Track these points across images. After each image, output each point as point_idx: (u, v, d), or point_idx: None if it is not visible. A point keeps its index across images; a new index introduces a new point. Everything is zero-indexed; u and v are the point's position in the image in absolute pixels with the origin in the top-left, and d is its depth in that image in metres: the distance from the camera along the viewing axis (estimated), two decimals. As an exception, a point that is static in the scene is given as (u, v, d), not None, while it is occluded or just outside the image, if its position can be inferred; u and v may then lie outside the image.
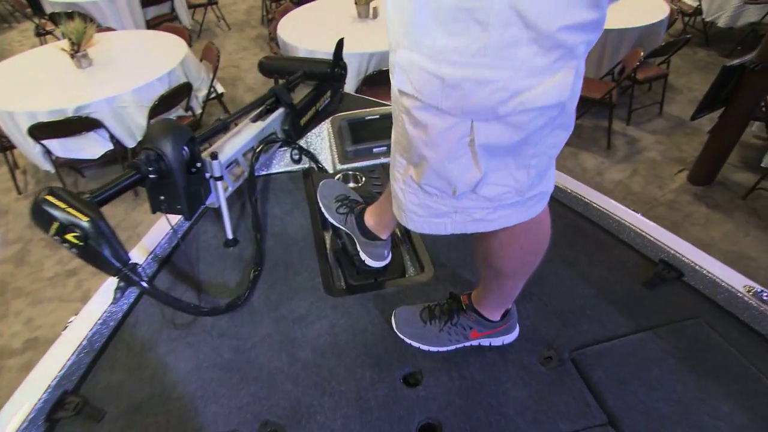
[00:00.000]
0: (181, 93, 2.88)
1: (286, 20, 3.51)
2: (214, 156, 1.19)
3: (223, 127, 1.30)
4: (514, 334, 1.05)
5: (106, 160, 2.90)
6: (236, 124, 1.42)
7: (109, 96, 2.64)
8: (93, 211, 0.85)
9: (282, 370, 0.99)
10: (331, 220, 1.23)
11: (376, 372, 0.99)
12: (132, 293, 1.13)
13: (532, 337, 1.05)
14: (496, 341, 1.04)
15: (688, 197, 2.98)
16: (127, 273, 0.88)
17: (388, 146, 1.62)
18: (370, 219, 1.13)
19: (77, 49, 2.84)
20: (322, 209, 1.24)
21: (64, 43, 2.89)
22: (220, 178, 1.22)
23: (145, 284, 0.92)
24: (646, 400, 0.91)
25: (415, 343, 1.03)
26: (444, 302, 1.05)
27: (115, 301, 0.90)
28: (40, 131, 2.53)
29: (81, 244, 0.83)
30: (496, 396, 0.94)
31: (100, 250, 0.85)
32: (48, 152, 2.70)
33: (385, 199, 1.08)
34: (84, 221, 0.82)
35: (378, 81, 2.79)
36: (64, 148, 2.71)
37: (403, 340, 1.04)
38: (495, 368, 0.99)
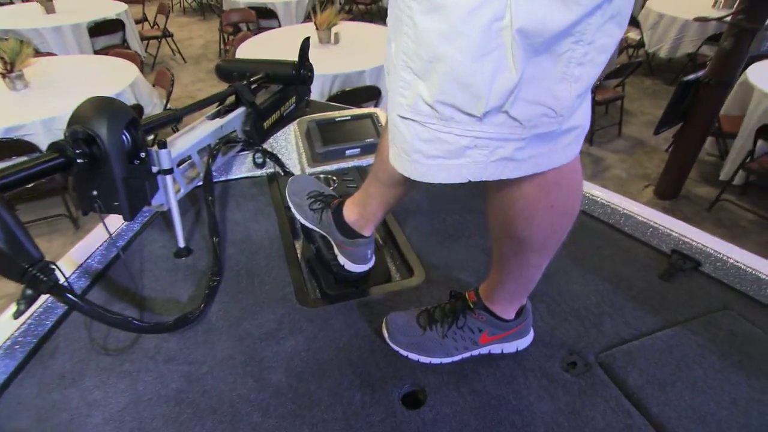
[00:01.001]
0: (129, 115, 2.66)
1: (245, 46, 3.40)
2: (162, 145, 1.00)
3: (174, 118, 1.11)
4: (529, 338, 0.88)
5: (43, 190, 2.60)
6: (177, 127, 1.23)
7: (45, 118, 2.38)
8: (-11, 191, 0.64)
9: (248, 398, 0.78)
10: (302, 220, 1.05)
11: (368, 394, 0.79)
12: (52, 311, 0.89)
13: (549, 341, 0.89)
14: (510, 347, 0.87)
15: (658, 210, 3.00)
16: (35, 274, 0.66)
17: (362, 147, 1.49)
18: (350, 213, 0.96)
19: (10, 69, 2.58)
20: (292, 209, 1.06)
21: (-3, 64, 2.63)
22: (170, 172, 1.02)
23: (65, 292, 0.70)
24: (696, 404, 0.76)
25: (413, 355, 0.85)
26: (445, 303, 0.88)
27: (18, 315, 0.68)
28: (-39, 155, 2.24)
29: (-30, 235, 0.62)
30: (520, 413, 0.76)
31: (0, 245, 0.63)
32: (-29, 180, 2.38)
33: (369, 184, 0.92)
34: (-27, 203, 0.61)
35: (342, 101, 2.68)
36: (-10, 175, 2.39)
37: (398, 352, 0.86)
38: (513, 380, 0.82)
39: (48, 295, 0.72)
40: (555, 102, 0.52)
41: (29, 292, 0.67)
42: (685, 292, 0.99)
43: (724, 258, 1.00)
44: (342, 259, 1.00)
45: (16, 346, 0.83)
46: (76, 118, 0.85)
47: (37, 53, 3.45)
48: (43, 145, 2.39)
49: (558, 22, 0.45)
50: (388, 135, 0.81)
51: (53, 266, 0.69)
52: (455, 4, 0.46)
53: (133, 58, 3.31)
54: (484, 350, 0.86)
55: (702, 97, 2.67)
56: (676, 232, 1.08)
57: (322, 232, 1.03)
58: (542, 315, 0.94)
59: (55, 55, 3.58)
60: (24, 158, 0.94)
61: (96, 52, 4.19)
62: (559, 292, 1.00)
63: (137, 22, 5.07)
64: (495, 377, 0.82)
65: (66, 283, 0.72)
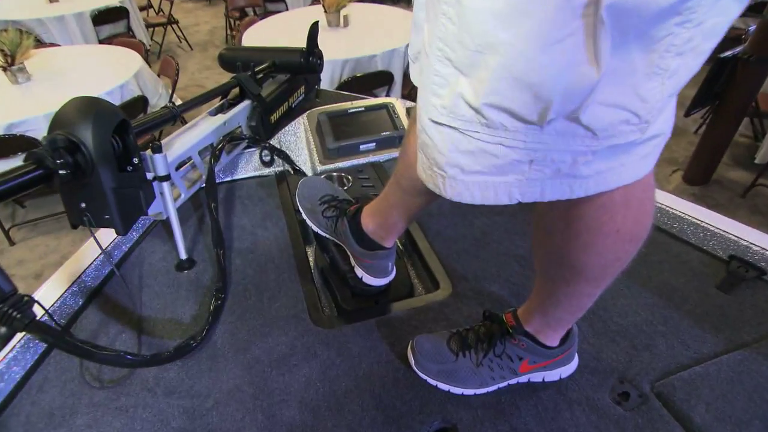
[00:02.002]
0: (135, 107, 2.57)
1: (252, 31, 3.27)
2: (157, 149, 0.90)
3: (171, 117, 1.01)
4: (574, 365, 0.77)
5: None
6: (185, 121, 1.13)
7: (48, 112, 2.30)
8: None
9: None
10: (314, 228, 0.94)
11: (393, 431, 0.69)
12: (38, 343, 0.81)
13: (596, 367, 0.78)
14: (552, 375, 0.77)
15: (688, 198, 2.79)
16: (7, 311, 0.57)
17: (378, 141, 1.37)
18: (369, 221, 0.85)
19: (11, 62, 2.50)
20: (303, 215, 0.95)
21: (-2, 57, 2.55)
22: (167, 179, 0.93)
23: (40, 329, 0.60)
24: None
25: (443, 385, 0.75)
26: (479, 325, 0.77)
27: None
28: (-37, 153, 2.17)
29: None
30: None
31: (-39, 278, 0.54)
32: (-25, 179, 2.32)
33: (390, 192, 0.81)
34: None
35: (354, 88, 2.57)
36: (-6, 172, 2.33)
37: (426, 381, 0.76)
38: (557, 414, 0.71)
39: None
40: (640, 105, 0.40)
41: (3, 330, 0.58)
42: (750, 305, 0.87)
43: (796, 266, 0.87)
44: (359, 272, 0.89)
45: (1, 381, 0.75)
46: (57, 123, 0.75)
47: (40, 44, 3.37)
48: (47, 141, 2.32)
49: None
50: (413, 139, 0.70)
51: (29, 300, 0.60)
52: None
53: (137, 47, 3.21)
54: (522, 379, 0.76)
55: (740, 75, 2.48)
56: (734, 235, 0.96)
57: (335, 240, 0.93)
58: (586, 335, 0.83)
59: (59, 45, 3.49)
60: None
61: (100, 41, 4.10)
62: (603, 307, 0.88)
63: (141, 9, 4.96)
64: (536, 411, 0.72)
65: (46, 318, 0.63)
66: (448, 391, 0.75)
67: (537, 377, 0.76)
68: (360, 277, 0.90)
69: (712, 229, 0.98)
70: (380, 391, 0.75)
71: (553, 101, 0.38)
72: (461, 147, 0.44)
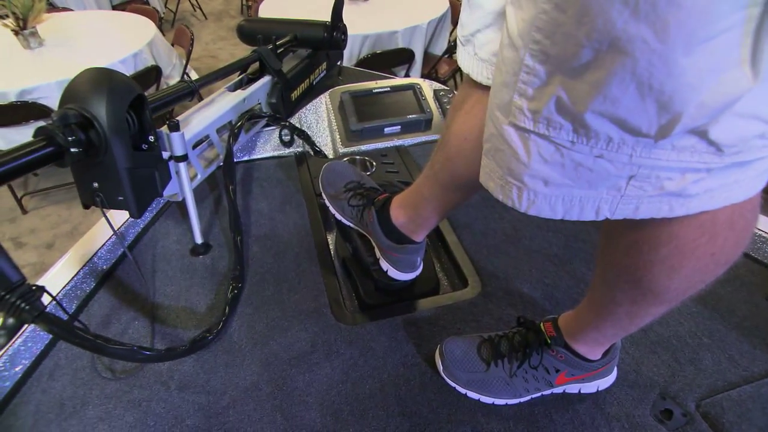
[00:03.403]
0: (148, 77, 2.50)
1: (268, 2, 3.16)
2: (174, 127, 0.84)
3: (189, 92, 0.95)
4: (612, 377, 0.72)
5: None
6: (201, 97, 1.06)
7: (61, 79, 2.24)
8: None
9: None
10: (338, 216, 0.89)
11: None
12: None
13: (636, 381, 0.73)
14: (589, 387, 0.72)
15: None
16: (14, 303, 0.52)
17: (403, 125, 1.30)
18: (399, 213, 0.80)
19: (23, 26, 2.43)
20: (326, 201, 0.90)
21: (9, 21, 2.48)
22: (184, 159, 0.87)
23: (49, 321, 0.56)
24: None
25: (473, 394, 0.70)
26: (512, 332, 0.72)
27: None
28: (-25, 119, 2.13)
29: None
30: None
31: (-36, 266, 0.49)
32: (-13, 146, 2.29)
33: (424, 184, 0.75)
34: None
35: (373, 65, 2.48)
36: (6, 140, 2.29)
37: (455, 388, 0.71)
38: (595, 429, 0.67)
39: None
40: None
41: (10, 321, 0.54)
42: (804, 320, 0.81)
43: None
44: (385, 265, 0.84)
45: (9, 366, 0.71)
46: (69, 96, 0.70)
47: (53, 8, 3.30)
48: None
49: None
50: (457, 130, 0.63)
51: (38, 289, 0.55)
52: None
53: (151, 14, 3.12)
54: (558, 390, 0.71)
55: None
56: (787, 242, 0.89)
57: (361, 230, 0.88)
58: (624, 344, 0.78)
59: (71, 10, 3.41)
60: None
61: (114, 7, 4.01)
62: (644, 314, 0.83)
63: (156, -26, 4.82)
64: (572, 426, 0.68)
65: (59, 310, 0.59)
66: (478, 399, 0.70)
67: (573, 389, 0.72)
68: (385, 270, 0.84)
69: (764, 234, 0.92)
70: (406, 395, 0.71)
71: (684, 113, 0.31)
72: (549, 157, 0.38)
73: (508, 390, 0.69)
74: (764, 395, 0.70)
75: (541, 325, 0.69)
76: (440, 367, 0.72)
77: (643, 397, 0.71)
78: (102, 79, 0.72)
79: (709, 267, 0.46)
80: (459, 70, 3.34)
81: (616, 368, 0.73)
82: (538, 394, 0.71)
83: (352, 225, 0.89)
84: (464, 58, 0.59)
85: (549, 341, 0.67)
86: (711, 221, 0.42)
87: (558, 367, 0.67)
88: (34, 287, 0.55)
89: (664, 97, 0.31)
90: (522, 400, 0.70)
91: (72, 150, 0.67)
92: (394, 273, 0.84)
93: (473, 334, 0.75)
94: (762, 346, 0.77)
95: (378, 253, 0.86)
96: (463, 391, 0.71)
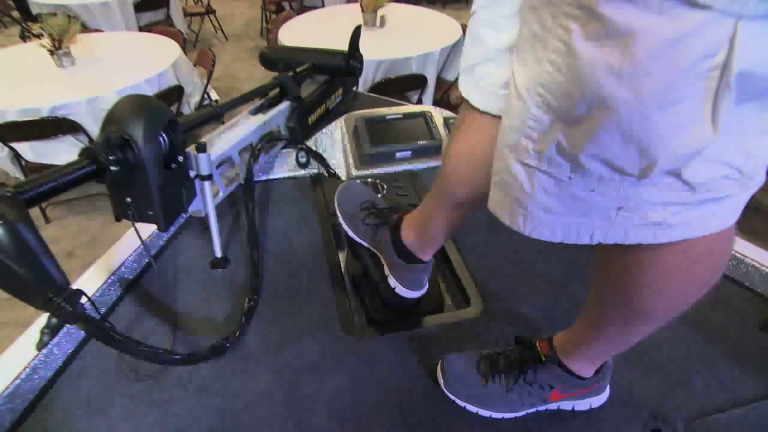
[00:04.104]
0: (170, 96, 2.62)
1: (288, 26, 3.29)
2: (201, 148, 0.92)
3: (216, 115, 1.02)
4: (605, 396, 0.76)
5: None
6: (223, 120, 1.14)
7: (90, 96, 2.36)
8: (12, 210, 0.56)
9: None
10: (352, 234, 0.95)
11: None
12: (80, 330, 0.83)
13: (628, 400, 0.77)
14: (582, 405, 0.75)
15: (722, 222, 2.76)
16: (60, 304, 0.59)
17: (414, 150, 1.37)
18: (409, 233, 0.85)
19: (58, 46, 2.57)
20: (341, 221, 0.96)
21: (45, 41, 2.63)
22: (209, 178, 0.94)
23: (88, 322, 0.62)
24: None
25: (471, 407, 0.75)
26: (510, 349, 0.77)
27: (42, 346, 0.62)
28: (9, 132, 2.24)
29: (-10, 260, 0.55)
30: None
31: (20, 270, 0.56)
32: (18, 157, 2.40)
33: (429, 205, 0.81)
34: (-6, 225, 0.54)
35: (387, 90, 2.57)
36: (36, 152, 2.41)
37: (454, 401, 0.75)
38: None
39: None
40: (745, 162, 0.39)
41: (54, 321, 0.60)
42: (794, 349, 0.84)
43: None
44: (393, 282, 0.89)
45: (43, 365, 0.77)
46: (110, 120, 0.77)
47: (85, 29, 3.46)
48: (87, 125, 2.39)
49: None
50: (458, 150, 0.69)
51: (79, 293, 0.62)
52: (647, 32, 0.33)
53: (176, 36, 3.26)
54: (552, 406, 0.75)
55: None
56: (780, 273, 0.93)
57: (373, 250, 0.94)
58: (618, 365, 0.82)
59: (102, 31, 3.58)
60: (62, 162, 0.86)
61: (140, 28, 4.20)
62: (638, 337, 0.86)
63: (182, -3, 5.04)
64: (565, 441, 0.71)
65: (93, 312, 0.65)
66: (477, 412, 0.74)
67: (567, 405, 0.75)
68: (393, 287, 0.90)
69: (757, 265, 0.95)
70: (409, 407, 0.75)
71: (660, 159, 0.38)
72: (550, 190, 0.45)
73: (505, 404, 0.73)
74: (751, 419, 0.73)
75: (537, 343, 0.73)
76: (441, 381, 0.77)
77: (634, 416, 0.74)
78: (140, 105, 0.79)
79: (690, 289, 0.52)
80: (470, 95, 3.41)
81: (608, 387, 0.76)
82: (534, 410, 0.74)
83: (364, 243, 0.94)
84: (464, 85, 0.67)
85: (543, 359, 0.71)
86: (692, 249, 0.47)
87: (552, 383, 0.71)
88: (77, 292, 0.61)
89: (643, 145, 0.38)
90: (518, 414, 0.74)
91: (112, 168, 0.74)
92: (401, 290, 0.89)
93: (473, 351, 0.79)
94: (752, 372, 0.80)
95: (387, 271, 0.91)
96: (462, 404, 0.75)
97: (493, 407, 0.74)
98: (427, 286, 0.91)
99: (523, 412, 0.74)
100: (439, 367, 0.78)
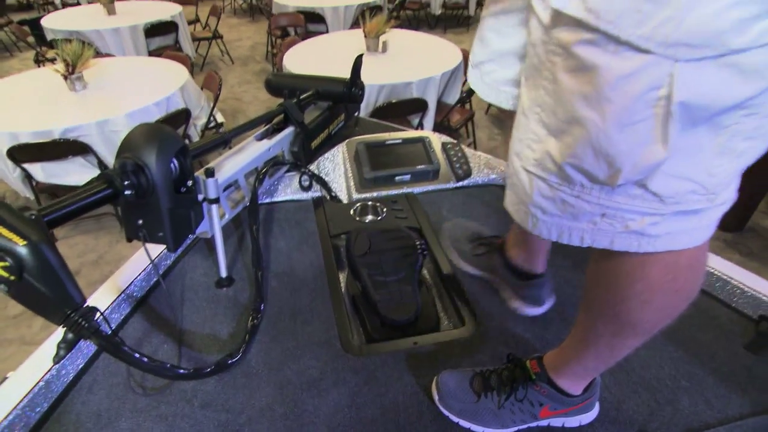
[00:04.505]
0: (178, 119, 2.70)
1: (293, 51, 3.40)
2: (209, 173, 0.97)
3: (223, 142, 1.08)
4: (594, 412, 0.79)
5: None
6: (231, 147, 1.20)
7: (100, 119, 2.45)
8: (36, 232, 0.61)
9: None
10: (465, 268, 1.07)
11: None
12: (90, 347, 0.87)
13: (616, 417, 0.79)
14: (572, 422, 0.78)
15: (720, 243, 2.78)
16: (77, 320, 0.63)
17: (412, 174, 1.42)
18: (514, 251, 0.96)
19: (72, 71, 2.67)
20: (451, 256, 1.09)
21: (59, 66, 2.73)
22: (216, 201, 0.99)
23: (101, 337, 0.66)
24: None
25: (465, 423, 0.77)
26: (502, 368, 0.80)
27: (58, 360, 0.65)
28: (21, 153, 2.32)
29: (14, 278, 0.59)
30: None
31: (41, 288, 0.60)
32: (29, 177, 2.47)
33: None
34: (20, 246, 0.58)
35: (388, 113, 2.65)
36: (46, 173, 2.48)
37: (448, 417, 0.78)
38: None
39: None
40: (708, 179, 0.45)
41: (70, 336, 0.64)
42: (778, 368, 0.87)
43: (827, 332, 0.87)
44: (516, 304, 0.97)
45: (56, 379, 0.81)
46: (126, 148, 0.82)
47: (97, 54, 3.58)
48: (97, 146, 2.46)
49: (733, 97, 0.39)
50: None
51: (94, 310, 0.66)
52: (607, 68, 0.41)
53: (184, 60, 3.38)
54: (543, 423, 0.78)
55: (779, 124, 2.45)
56: (765, 295, 0.96)
57: (490, 278, 1.04)
58: (608, 384, 0.85)
59: (113, 56, 3.70)
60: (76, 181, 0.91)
61: (150, 53, 4.33)
62: (626, 357, 0.88)
63: (190, 23, 5.21)
64: (556, 457, 0.74)
65: (106, 328, 0.69)
66: (469, 428, 0.77)
67: (557, 422, 0.78)
68: (515, 308, 0.97)
69: (742, 286, 0.99)
70: (405, 422, 0.78)
71: (623, 170, 0.45)
72: (544, 193, 0.53)
73: (497, 420, 0.76)
74: (736, 436, 0.75)
75: (527, 362, 0.77)
76: (436, 397, 0.80)
77: (622, 434, 0.77)
78: (153, 133, 0.84)
79: (674, 301, 0.56)
80: (470, 118, 3.48)
81: (598, 405, 0.79)
82: (525, 426, 0.77)
83: (479, 274, 1.05)
84: (472, 78, 0.77)
85: (533, 377, 0.74)
86: (675, 263, 0.52)
87: (541, 401, 0.74)
88: (93, 309, 0.65)
89: (609, 158, 0.45)
90: (509, 430, 0.77)
91: (126, 192, 0.79)
92: (524, 310, 0.97)
93: (467, 368, 0.82)
94: (737, 390, 0.83)
95: (506, 295, 0.99)
96: (455, 419, 0.78)
97: (485, 423, 0.77)
98: (547, 305, 0.97)
99: (514, 428, 0.77)
100: (433, 384, 0.82)
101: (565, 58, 0.45)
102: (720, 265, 1.04)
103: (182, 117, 2.74)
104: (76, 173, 2.54)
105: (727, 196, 0.49)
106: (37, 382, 0.78)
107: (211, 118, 3.16)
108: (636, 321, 0.59)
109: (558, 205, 0.52)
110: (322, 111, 1.48)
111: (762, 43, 0.36)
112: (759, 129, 0.42)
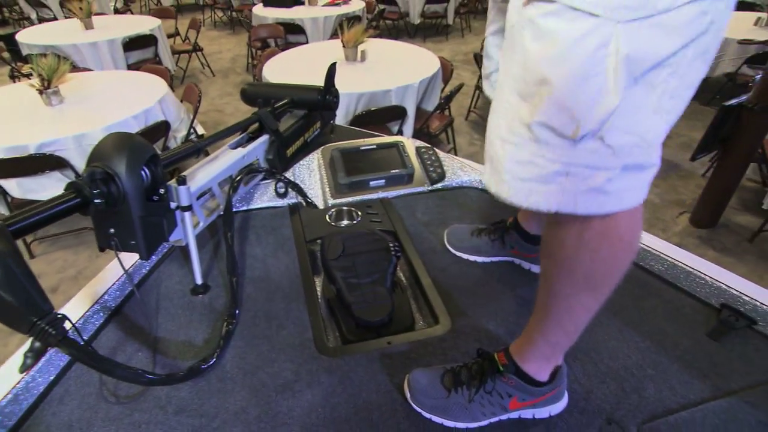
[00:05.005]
0: (157, 132, 2.70)
1: (272, 62, 3.42)
2: (181, 181, 0.98)
3: (195, 150, 1.09)
4: (563, 402, 0.81)
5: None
6: (207, 153, 1.21)
7: (77, 133, 2.43)
8: (1, 242, 0.61)
9: None
10: (483, 259, 1.15)
11: None
12: (63, 358, 0.87)
13: (585, 407, 0.82)
14: (542, 413, 0.80)
15: (694, 240, 2.85)
16: (44, 328, 0.63)
17: (387, 179, 1.45)
18: (526, 223, 1.06)
19: (47, 85, 2.65)
20: (466, 255, 1.16)
21: (35, 80, 2.71)
22: (188, 208, 1.00)
23: (70, 345, 0.66)
24: None
25: (437, 419, 0.79)
26: (471, 363, 0.82)
27: (25, 368, 0.65)
28: (-5, 169, 2.29)
29: (-22, 288, 0.59)
30: None
31: (6, 297, 0.60)
32: (4, 193, 2.43)
33: None
34: (-16, 255, 0.59)
35: (368, 121, 2.68)
36: (22, 188, 2.45)
37: (420, 413, 0.80)
38: None
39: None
40: (647, 133, 0.53)
41: (37, 345, 0.64)
42: (739, 354, 0.90)
43: (783, 318, 0.91)
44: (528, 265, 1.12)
45: (24, 392, 0.80)
46: (95, 156, 0.83)
47: (75, 68, 3.56)
48: (74, 160, 2.44)
49: (659, 51, 0.48)
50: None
51: (62, 317, 0.66)
52: (565, 31, 0.49)
53: (162, 73, 3.37)
54: (513, 415, 0.80)
55: (745, 123, 2.53)
56: (726, 285, 1.00)
57: (508, 259, 1.13)
58: (577, 375, 0.87)
59: (91, 70, 3.68)
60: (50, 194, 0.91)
61: (129, 66, 4.31)
62: (594, 349, 0.92)
63: (169, 36, 5.20)
64: (525, 448, 0.75)
65: (75, 336, 0.69)
66: (441, 423, 0.78)
67: (527, 414, 0.80)
68: (528, 268, 1.11)
69: (705, 277, 1.02)
70: (378, 420, 0.79)
71: (583, 121, 0.51)
72: (516, 158, 0.58)
73: (467, 414, 0.78)
74: (697, 420, 0.78)
75: (495, 355, 0.79)
76: (408, 395, 0.81)
77: (590, 422, 0.79)
78: (123, 142, 0.85)
79: (620, 251, 0.63)
80: (449, 125, 3.52)
81: (566, 395, 0.81)
82: (496, 419, 0.79)
83: (497, 259, 1.13)
84: (486, 88, 0.95)
85: (501, 368, 0.76)
86: (615, 220, 0.60)
87: (510, 392, 0.76)
88: (59, 315, 0.65)
89: (571, 111, 0.52)
90: (481, 424, 0.79)
91: (96, 201, 0.79)
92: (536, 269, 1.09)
93: (438, 366, 0.84)
94: (699, 377, 0.86)
95: (528, 264, 1.10)
96: (427, 415, 0.79)
97: (457, 417, 0.78)
98: None
99: (486, 422, 0.79)
100: (405, 381, 0.83)
101: (532, 29, 0.52)
102: (684, 258, 1.07)
103: (161, 129, 2.73)
104: (52, 188, 2.50)
105: (657, 157, 0.56)
106: (5, 395, 0.77)
107: (192, 131, 3.15)
108: (588, 273, 0.65)
109: (528, 168, 0.57)
110: (297, 119, 1.50)
111: (679, 5, 0.46)
112: (678, 90, 0.51)
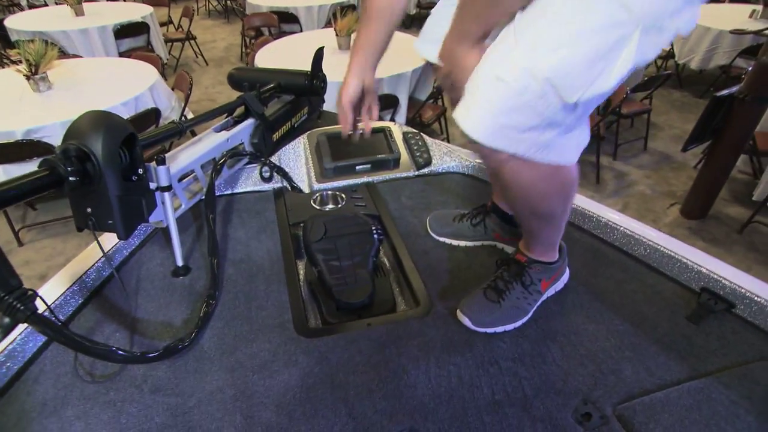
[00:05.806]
0: (147, 119, 2.66)
1: (265, 50, 3.39)
2: (160, 161, 0.96)
3: (177, 132, 1.08)
4: (566, 277, 1.01)
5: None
6: (195, 133, 1.20)
7: (65, 120, 2.40)
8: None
9: None
10: (469, 243, 1.15)
11: None
12: (38, 338, 0.86)
13: (562, 388, 0.82)
14: (557, 286, 0.99)
15: (684, 231, 2.87)
16: (12, 303, 0.62)
17: (373, 163, 1.44)
18: (501, 200, 1.10)
19: (35, 71, 2.62)
20: (450, 240, 1.16)
21: (23, 66, 2.67)
22: (168, 189, 0.99)
23: (40, 321, 0.66)
24: None
25: (500, 328, 0.91)
26: (499, 273, 0.95)
27: None
28: (-19, 156, 2.26)
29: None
30: None
31: (-28, 271, 0.60)
32: (-9, 180, 2.41)
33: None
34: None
35: (360, 109, 2.66)
36: (8, 175, 2.39)
37: (486, 332, 0.91)
38: (520, 430, 0.75)
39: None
40: (598, 102, 0.65)
41: (6, 320, 0.64)
42: (716, 337, 0.90)
43: (762, 300, 0.91)
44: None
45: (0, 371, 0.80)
46: (71, 134, 0.82)
47: (64, 55, 3.52)
48: (62, 147, 2.42)
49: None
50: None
51: (32, 294, 0.65)
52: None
53: (154, 61, 3.33)
54: (544, 297, 0.96)
55: (736, 114, 2.53)
56: (707, 269, 1.00)
57: (493, 243, 1.15)
58: (555, 357, 0.87)
59: (81, 57, 3.63)
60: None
61: (120, 54, 4.26)
62: (574, 331, 0.92)
63: (162, 24, 5.15)
64: (500, 427, 0.76)
65: (47, 312, 0.68)
66: (504, 331, 0.90)
67: (551, 292, 0.98)
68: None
69: (686, 261, 1.02)
70: (354, 399, 0.79)
71: (588, 90, 0.59)
72: (509, 103, 0.61)
73: (520, 311, 0.91)
74: (672, 400, 0.78)
75: (516, 257, 0.94)
76: (469, 324, 0.91)
77: (566, 403, 0.79)
78: (100, 119, 0.84)
79: (554, 190, 0.77)
80: (442, 114, 3.51)
81: (568, 270, 1.01)
82: (536, 305, 0.94)
83: (483, 243, 1.14)
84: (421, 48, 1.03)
85: (526, 264, 0.92)
86: (553, 169, 0.71)
87: (539, 276, 0.93)
88: (29, 291, 0.65)
89: (584, 80, 0.59)
90: (529, 315, 0.93)
91: (71, 179, 0.78)
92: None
93: (474, 291, 0.95)
94: (677, 359, 0.86)
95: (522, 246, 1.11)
96: (492, 330, 0.90)
97: (514, 318, 0.91)
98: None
99: (531, 312, 0.93)
100: (460, 315, 0.92)
101: None
102: (666, 242, 1.07)
103: (151, 117, 2.70)
104: (41, 175, 2.48)
105: (587, 134, 0.71)
106: None
107: (182, 118, 3.12)
108: (545, 207, 0.80)
109: (514, 116, 0.61)
110: (284, 104, 1.49)
111: None
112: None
